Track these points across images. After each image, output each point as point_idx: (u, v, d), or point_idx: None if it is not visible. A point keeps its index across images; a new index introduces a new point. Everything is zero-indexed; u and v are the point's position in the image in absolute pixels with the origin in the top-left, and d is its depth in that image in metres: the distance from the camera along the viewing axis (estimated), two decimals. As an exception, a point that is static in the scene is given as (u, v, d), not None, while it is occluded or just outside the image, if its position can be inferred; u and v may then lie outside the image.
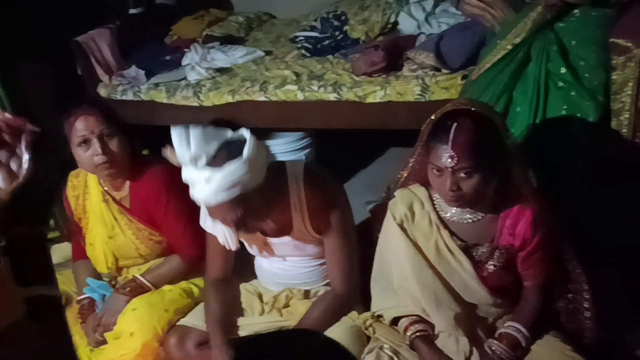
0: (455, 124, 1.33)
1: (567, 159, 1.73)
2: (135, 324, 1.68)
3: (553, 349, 1.42)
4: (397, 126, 2.41)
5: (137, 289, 1.82)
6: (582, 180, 1.73)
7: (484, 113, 1.37)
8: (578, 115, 1.73)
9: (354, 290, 1.60)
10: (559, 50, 1.77)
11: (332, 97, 2.50)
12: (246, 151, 1.33)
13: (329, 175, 1.61)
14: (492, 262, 1.45)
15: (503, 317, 1.51)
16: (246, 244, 1.71)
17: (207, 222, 1.62)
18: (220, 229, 1.57)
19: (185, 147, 1.31)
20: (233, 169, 1.31)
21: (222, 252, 1.68)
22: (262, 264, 1.77)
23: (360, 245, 1.64)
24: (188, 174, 1.37)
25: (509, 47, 1.83)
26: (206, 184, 1.32)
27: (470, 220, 1.45)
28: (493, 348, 1.42)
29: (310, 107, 2.55)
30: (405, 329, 1.49)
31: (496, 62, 1.86)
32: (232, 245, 1.59)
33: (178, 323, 1.71)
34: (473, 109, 1.37)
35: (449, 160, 1.31)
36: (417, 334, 1.47)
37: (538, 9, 1.79)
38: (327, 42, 2.95)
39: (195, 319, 1.70)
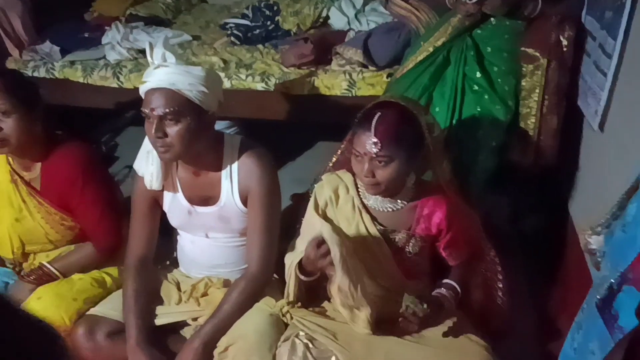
0: (379, 113, 1.39)
1: (478, 159, 1.84)
2: (39, 314, 1.58)
3: (462, 334, 1.50)
4: (323, 120, 2.45)
5: (43, 277, 1.73)
6: (491, 179, 1.85)
7: (409, 108, 1.44)
8: (489, 118, 1.84)
9: (268, 270, 1.61)
10: (475, 55, 1.88)
11: (259, 87, 2.49)
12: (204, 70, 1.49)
13: (265, 153, 1.62)
14: (408, 249, 1.52)
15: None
16: (169, 215, 1.69)
17: (141, 161, 1.62)
18: (149, 167, 1.58)
19: (159, 46, 1.45)
20: (192, 67, 1.48)
21: (145, 227, 1.67)
22: (184, 244, 1.74)
23: (281, 238, 1.65)
24: (150, 69, 1.47)
25: (431, 49, 1.91)
26: (164, 68, 1.44)
27: (390, 209, 1.51)
28: (439, 291, 1.49)
29: (238, 96, 2.52)
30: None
31: (418, 63, 1.94)
32: (156, 184, 1.59)
33: (88, 312, 1.65)
34: (401, 103, 1.44)
35: (372, 146, 1.37)
36: None
37: (458, 15, 1.89)
38: (257, 31, 2.93)
39: (107, 308, 1.65)
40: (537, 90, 1.82)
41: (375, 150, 1.37)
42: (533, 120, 1.84)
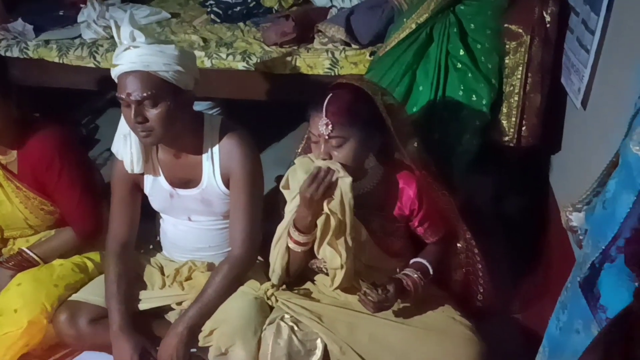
0: (330, 94, 1.38)
1: (462, 139, 1.83)
2: (19, 300, 1.58)
3: (444, 314, 1.53)
4: (306, 99, 2.41)
5: (23, 263, 1.71)
6: (474, 159, 1.84)
7: (363, 88, 1.42)
8: (473, 96, 1.83)
9: (252, 252, 1.60)
10: (458, 32, 1.85)
11: (240, 66, 2.44)
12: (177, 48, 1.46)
13: (245, 134, 1.60)
14: (384, 230, 1.52)
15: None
16: (151, 199, 1.66)
17: (118, 144, 1.59)
18: (128, 151, 1.55)
19: (126, 24, 1.40)
20: (164, 46, 1.43)
21: (126, 211, 1.65)
22: (167, 227, 1.72)
23: (264, 220, 1.63)
24: (119, 50, 1.43)
25: (413, 26, 1.88)
26: (135, 49, 1.39)
27: (359, 192, 1.48)
28: (406, 272, 1.49)
29: (218, 75, 2.46)
30: None
31: (401, 40, 1.91)
32: (137, 167, 1.56)
33: (70, 298, 1.63)
34: (355, 83, 1.42)
35: (323, 127, 1.36)
36: None
37: (440, -9, 1.85)
38: (238, 8, 2.86)
39: (89, 294, 1.64)
40: (521, 68, 1.81)
41: (327, 131, 1.36)
42: (516, 99, 1.82)
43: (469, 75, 1.83)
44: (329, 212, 1.37)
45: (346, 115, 1.36)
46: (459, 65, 1.84)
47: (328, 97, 1.37)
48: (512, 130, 1.83)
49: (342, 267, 1.44)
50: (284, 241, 1.50)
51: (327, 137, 1.37)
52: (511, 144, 1.84)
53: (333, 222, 1.38)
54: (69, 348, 1.66)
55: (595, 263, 0.89)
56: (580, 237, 1.00)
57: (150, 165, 1.61)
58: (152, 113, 1.41)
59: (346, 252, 1.42)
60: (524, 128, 1.83)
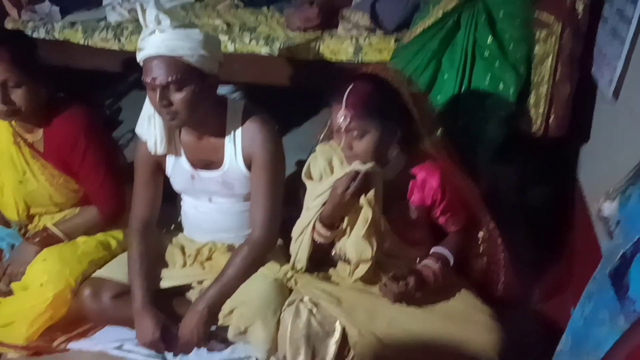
0: (351, 85, 1.36)
1: (486, 128, 1.81)
2: (44, 275, 1.61)
3: (465, 301, 1.52)
4: (328, 86, 2.39)
5: (48, 239, 1.73)
6: (498, 149, 1.81)
7: (386, 78, 1.40)
8: (500, 85, 1.80)
9: (272, 235, 1.61)
10: (487, 20, 1.82)
11: (263, 51, 2.44)
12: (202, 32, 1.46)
13: (268, 118, 1.60)
14: (403, 219, 1.51)
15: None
16: (172, 180, 1.68)
17: (142, 125, 1.60)
18: (152, 132, 1.56)
19: (151, 7, 1.40)
20: (190, 31, 1.44)
21: (148, 191, 1.66)
22: (188, 209, 1.74)
23: (285, 204, 1.63)
24: (144, 34, 1.43)
25: (440, 13, 1.85)
26: (161, 34, 1.40)
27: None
28: (426, 263, 1.49)
29: (241, 60, 2.46)
30: None
31: (427, 28, 1.88)
32: (160, 148, 1.58)
33: (93, 275, 1.65)
34: (378, 74, 1.40)
35: (341, 119, 1.35)
36: None
37: (470, -22, 1.82)
38: (262, -7, 2.85)
39: (112, 271, 1.66)
40: (550, 58, 1.77)
41: (345, 123, 1.35)
42: (545, 89, 1.79)
43: (496, 64, 1.80)
44: (366, 205, 1.37)
45: (366, 108, 1.35)
46: (486, 54, 1.81)
47: (349, 88, 1.36)
48: (539, 120, 1.80)
49: (364, 262, 1.45)
50: (308, 235, 1.50)
51: (346, 130, 1.36)
52: (538, 135, 1.81)
53: (370, 214, 1.38)
54: (92, 322, 1.69)
55: (626, 254, 0.87)
56: (611, 228, 0.99)
57: (172, 146, 1.62)
58: (177, 97, 1.42)
59: (370, 247, 1.42)
60: (552, 118, 1.80)
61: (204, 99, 1.47)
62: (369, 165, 1.37)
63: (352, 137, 1.37)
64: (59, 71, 2.48)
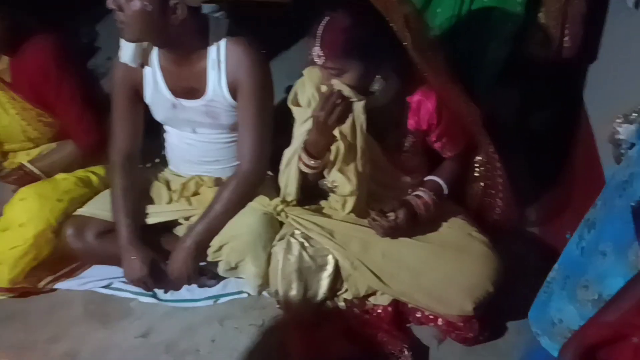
0: (326, 20, 1.23)
1: (488, 48, 1.67)
2: (24, 215, 1.56)
3: (460, 229, 1.48)
4: (318, 4, 2.22)
5: (25, 178, 1.68)
6: (501, 71, 1.70)
7: (368, 7, 1.23)
8: (505, 3, 1.64)
9: (261, 167, 1.54)
10: None
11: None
12: None
13: (254, 41, 1.49)
14: (397, 146, 1.44)
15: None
16: (153, 109, 1.59)
17: (124, 53, 1.49)
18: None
19: None
20: None
21: (128, 121, 1.58)
22: (172, 140, 1.66)
23: (274, 134, 1.55)
24: None
25: None
26: None
27: (371, 106, 1.37)
28: (417, 193, 1.44)
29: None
30: None
31: None
32: (129, 58, 1.47)
33: (75, 213, 1.61)
34: (360, 2, 1.25)
35: (318, 57, 1.25)
36: None
37: None
38: None
39: (95, 209, 1.61)
40: (563, -28, 1.61)
41: (321, 61, 1.24)
42: (557, 6, 1.63)
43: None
44: (338, 137, 1.29)
45: (342, 47, 1.22)
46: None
47: (324, 22, 1.22)
48: (551, 41, 1.66)
49: (352, 194, 1.38)
50: (295, 166, 1.43)
51: (322, 66, 1.26)
52: (550, 56, 1.67)
53: (342, 146, 1.30)
54: (79, 261, 1.67)
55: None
56: (622, 152, 0.91)
57: (150, 72, 1.51)
58: (127, 6, 1.31)
59: (357, 178, 1.36)
60: (566, 39, 1.65)
61: (163, 25, 1.34)
62: (340, 84, 1.27)
63: (330, 74, 1.27)
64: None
